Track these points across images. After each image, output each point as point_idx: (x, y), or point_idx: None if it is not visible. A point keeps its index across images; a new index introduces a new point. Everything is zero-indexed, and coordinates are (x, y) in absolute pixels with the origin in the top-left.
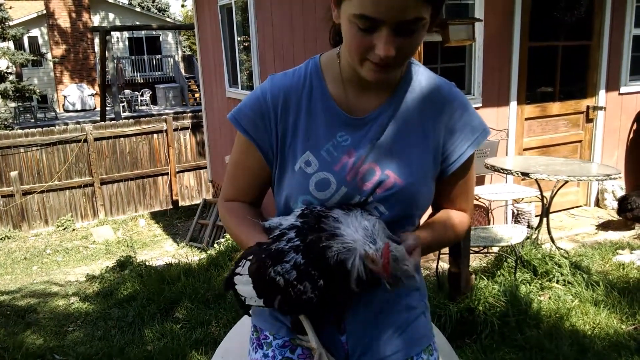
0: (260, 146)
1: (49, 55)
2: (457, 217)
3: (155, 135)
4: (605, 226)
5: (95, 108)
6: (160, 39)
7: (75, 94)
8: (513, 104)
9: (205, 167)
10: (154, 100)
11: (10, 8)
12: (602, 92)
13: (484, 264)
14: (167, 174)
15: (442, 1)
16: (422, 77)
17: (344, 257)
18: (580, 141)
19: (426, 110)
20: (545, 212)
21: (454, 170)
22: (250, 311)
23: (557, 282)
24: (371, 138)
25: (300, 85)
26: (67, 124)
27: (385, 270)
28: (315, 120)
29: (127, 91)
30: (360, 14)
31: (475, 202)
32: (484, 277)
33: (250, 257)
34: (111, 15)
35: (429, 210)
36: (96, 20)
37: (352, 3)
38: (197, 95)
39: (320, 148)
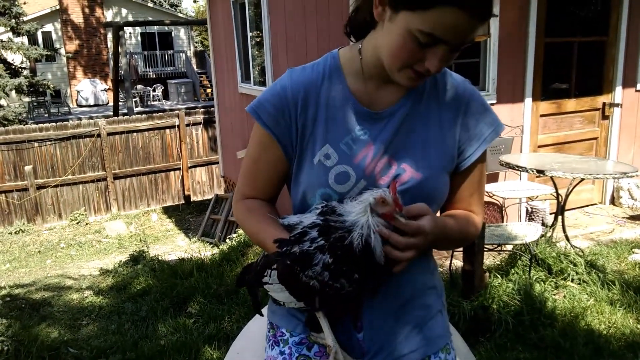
0: (281, 141)
1: (62, 51)
2: (475, 216)
3: (167, 131)
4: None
5: (107, 103)
6: (173, 35)
7: (88, 89)
8: (528, 100)
9: (217, 163)
10: (166, 95)
11: (25, 3)
12: (618, 89)
13: (498, 262)
14: (179, 169)
15: None
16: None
17: (366, 238)
18: (595, 138)
19: (443, 105)
20: (561, 210)
21: (467, 165)
22: (265, 308)
23: (572, 280)
24: (389, 132)
25: (319, 79)
26: (80, 119)
27: (397, 205)
28: (335, 114)
29: (139, 86)
30: (428, 32)
31: (489, 199)
32: (498, 275)
33: (275, 266)
34: (124, 11)
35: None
36: (109, 15)
37: (419, 18)
38: (209, 90)
39: (340, 141)
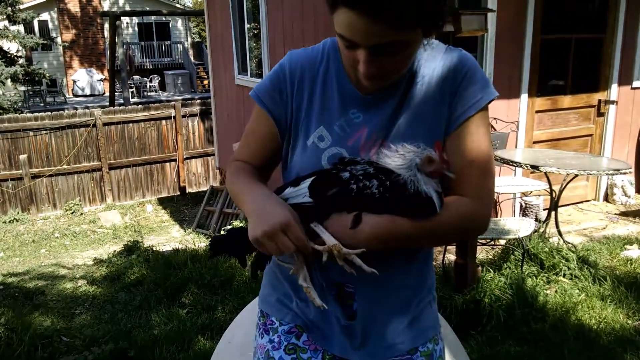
0: (275, 117)
1: (58, 40)
2: (456, 204)
3: (163, 122)
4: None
5: (104, 93)
6: (170, 25)
7: (84, 79)
8: (524, 96)
9: (213, 154)
10: (162, 86)
11: None
12: (614, 86)
13: (491, 257)
14: (174, 160)
15: (430, 21)
16: (436, 52)
17: (417, 183)
18: (590, 135)
19: (437, 86)
20: (554, 205)
21: (454, 129)
22: (259, 296)
23: (564, 276)
24: (382, 116)
25: (317, 60)
26: (76, 109)
27: (444, 162)
28: (330, 97)
29: (136, 77)
30: (339, 34)
31: None
32: (491, 270)
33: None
34: (121, 0)
35: None
36: (106, 5)
37: (336, 21)
38: (205, 82)
39: (334, 123)
